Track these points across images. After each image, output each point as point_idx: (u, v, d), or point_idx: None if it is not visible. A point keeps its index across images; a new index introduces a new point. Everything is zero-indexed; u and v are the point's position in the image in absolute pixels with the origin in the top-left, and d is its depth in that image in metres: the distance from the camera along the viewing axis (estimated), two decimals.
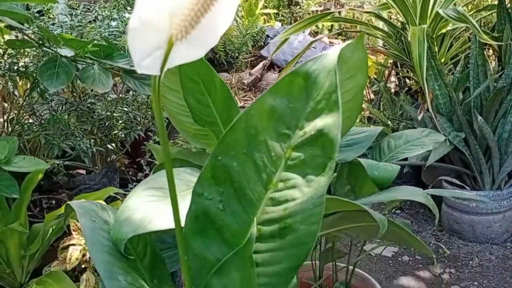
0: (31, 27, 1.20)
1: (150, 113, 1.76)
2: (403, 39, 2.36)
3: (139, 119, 1.74)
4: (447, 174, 2.09)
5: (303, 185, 0.56)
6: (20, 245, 1.30)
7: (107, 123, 1.70)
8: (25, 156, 1.16)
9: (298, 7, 5.27)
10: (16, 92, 1.60)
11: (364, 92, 2.80)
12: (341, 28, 3.76)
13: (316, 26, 4.82)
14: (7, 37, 1.40)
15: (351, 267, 1.34)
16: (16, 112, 1.55)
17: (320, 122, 0.54)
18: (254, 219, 0.58)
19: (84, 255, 1.14)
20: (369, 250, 1.68)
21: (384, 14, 2.60)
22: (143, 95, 1.70)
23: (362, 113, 2.73)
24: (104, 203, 0.86)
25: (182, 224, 0.62)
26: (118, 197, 1.36)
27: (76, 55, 1.23)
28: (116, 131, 1.71)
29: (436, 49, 2.28)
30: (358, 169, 1.07)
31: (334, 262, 1.33)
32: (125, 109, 1.68)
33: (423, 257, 2.00)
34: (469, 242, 2.08)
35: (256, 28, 4.56)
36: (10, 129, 1.52)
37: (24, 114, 1.57)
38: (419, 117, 2.10)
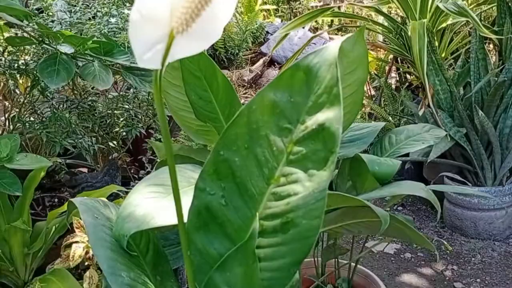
0: (31, 24, 1.20)
1: (151, 110, 1.76)
2: (403, 34, 2.35)
3: (140, 117, 1.73)
4: (449, 170, 2.09)
5: (305, 179, 0.56)
6: (23, 243, 1.30)
7: (108, 121, 1.70)
8: (27, 153, 1.16)
9: (297, 2, 5.26)
10: (17, 90, 1.60)
11: (365, 88, 2.80)
12: (341, 23, 3.75)
13: (316, 22, 4.82)
14: (6, 35, 1.40)
15: (353, 264, 1.34)
16: (17, 110, 1.55)
17: (322, 116, 0.54)
18: (256, 214, 0.58)
19: (87, 252, 1.14)
20: (371, 246, 1.68)
21: (384, 9, 2.59)
22: (144, 92, 1.70)
23: (363, 109, 2.72)
24: (106, 200, 0.86)
25: (185, 220, 0.62)
26: (121, 194, 1.36)
27: (76, 52, 1.22)
28: (117, 129, 1.71)
29: (437, 44, 2.27)
30: (359, 165, 1.06)
31: (336, 259, 1.33)
32: (126, 106, 1.68)
33: (426, 254, 2.00)
34: (471, 238, 2.08)
35: (256, 24, 4.56)
36: (11, 127, 1.52)
37: (25, 112, 1.57)
38: (420, 113, 2.10)
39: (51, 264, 1.22)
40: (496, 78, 1.99)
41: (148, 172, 1.89)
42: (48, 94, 1.54)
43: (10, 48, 1.41)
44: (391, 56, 2.79)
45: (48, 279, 1.19)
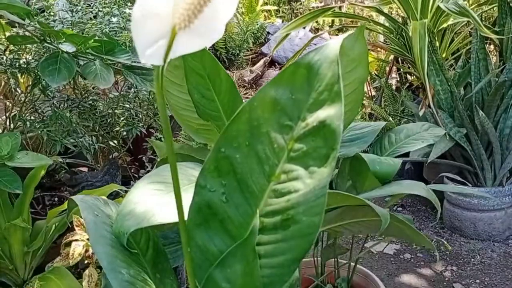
0: (32, 23, 1.20)
1: (152, 110, 1.76)
2: (404, 34, 2.36)
3: (140, 116, 1.73)
4: (449, 171, 2.09)
5: (305, 176, 0.56)
6: (23, 242, 1.30)
7: (109, 120, 1.70)
8: (27, 151, 1.16)
9: (298, 3, 5.26)
10: (18, 89, 1.60)
11: (365, 89, 2.80)
12: (341, 24, 3.76)
13: (316, 22, 4.82)
14: (8, 34, 1.40)
15: (352, 264, 1.34)
16: (18, 109, 1.55)
17: (323, 113, 0.54)
18: (257, 211, 0.58)
19: (87, 250, 1.15)
20: (370, 246, 1.68)
21: (385, 9, 2.59)
22: (145, 92, 1.70)
23: (364, 109, 2.73)
24: (106, 198, 0.87)
25: (185, 217, 0.62)
26: (121, 192, 1.36)
27: (77, 50, 1.23)
28: (118, 128, 1.71)
29: (437, 44, 2.27)
30: (359, 164, 1.07)
31: (336, 259, 1.33)
32: (127, 105, 1.68)
33: (425, 255, 2.00)
34: (471, 239, 2.08)
35: (257, 25, 4.56)
36: (12, 126, 1.52)
37: (26, 111, 1.57)
38: (421, 113, 2.10)
39: (51, 263, 1.22)
40: (497, 79, 1.99)
41: (149, 172, 1.88)
42: (49, 93, 1.54)
43: (11, 47, 1.41)
44: (391, 56, 2.80)
45: (47, 278, 1.19)
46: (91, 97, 1.65)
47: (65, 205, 1.26)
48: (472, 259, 1.96)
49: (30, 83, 1.50)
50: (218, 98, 0.94)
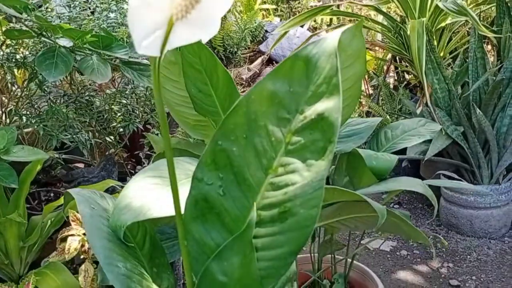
0: (29, 16, 1.19)
1: (149, 106, 1.76)
2: (402, 33, 2.36)
3: (137, 112, 1.73)
4: (446, 169, 2.09)
5: (303, 169, 0.56)
6: (19, 236, 1.30)
7: (105, 116, 1.69)
8: (23, 146, 1.15)
9: (296, 2, 5.26)
10: (14, 84, 1.59)
11: (363, 87, 2.81)
12: (340, 22, 3.75)
13: (315, 21, 4.82)
14: (5, 28, 1.39)
15: (349, 260, 1.34)
16: (14, 104, 1.54)
17: (321, 106, 0.54)
18: (254, 204, 0.58)
19: (83, 245, 1.14)
20: (367, 242, 1.69)
21: (384, 8, 2.59)
22: (142, 88, 1.70)
23: (361, 108, 2.73)
24: (103, 192, 0.86)
25: (182, 211, 0.62)
26: (117, 187, 1.36)
27: (74, 45, 1.22)
28: (114, 124, 1.71)
29: (435, 43, 2.28)
30: (356, 160, 1.07)
31: (332, 255, 1.33)
32: (124, 101, 1.68)
33: (421, 252, 2.00)
34: (467, 236, 2.09)
35: (255, 23, 4.56)
36: (8, 120, 1.51)
37: (22, 106, 1.57)
38: (418, 111, 2.10)
39: (47, 258, 1.22)
40: (494, 77, 1.99)
41: None
42: (46, 89, 1.54)
43: (8, 41, 1.41)
44: (389, 55, 2.80)
45: (43, 273, 1.18)
46: (87, 93, 1.65)
47: (61, 200, 1.26)
48: (468, 256, 1.96)
49: (27, 77, 1.50)
50: (215, 93, 0.94)
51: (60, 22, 1.48)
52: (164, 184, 0.75)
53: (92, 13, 1.66)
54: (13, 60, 1.37)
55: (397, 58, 2.77)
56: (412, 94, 2.67)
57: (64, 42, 1.21)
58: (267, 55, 4.38)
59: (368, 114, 2.68)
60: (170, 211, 0.65)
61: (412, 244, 2.06)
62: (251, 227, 0.57)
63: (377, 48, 3.14)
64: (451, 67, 2.35)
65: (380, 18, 2.79)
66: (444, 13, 2.19)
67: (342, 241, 1.38)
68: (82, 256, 1.16)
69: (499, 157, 2.04)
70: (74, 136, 1.52)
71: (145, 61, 1.33)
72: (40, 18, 1.15)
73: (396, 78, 2.97)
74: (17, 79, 1.55)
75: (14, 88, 1.59)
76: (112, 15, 1.58)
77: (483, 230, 2.07)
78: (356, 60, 0.93)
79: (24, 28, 1.23)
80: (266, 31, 4.75)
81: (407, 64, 2.64)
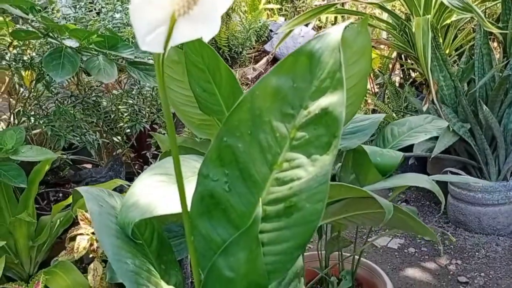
0: (36, 17, 1.20)
1: (155, 106, 1.77)
2: (407, 30, 2.35)
3: (144, 112, 1.74)
4: (453, 166, 2.09)
5: (308, 164, 0.56)
6: (28, 236, 1.31)
7: (112, 116, 1.70)
8: (32, 146, 1.16)
9: (301, 1, 5.25)
10: (22, 85, 1.61)
11: (369, 85, 2.80)
12: (344, 21, 3.74)
13: (319, 20, 4.82)
14: (11, 30, 1.40)
15: (356, 257, 1.34)
16: (22, 105, 1.56)
17: (325, 101, 0.54)
18: (259, 199, 0.59)
19: (91, 244, 1.15)
20: (374, 238, 1.68)
21: (388, 6, 2.59)
22: (148, 88, 1.71)
23: (367, 106, 2.72)
24: (111, 190, 0.87)
25: (189, 208, 0.62)
26: (125, 185, 1.37)
27: (81, 46, 1.23)
28: (121, 124, 1.72)
29: (441, 40, 2.27)
30: (362, 157, 1.07)
31: (340, 252, 1.33)
32: (130, 101, 1.69)
33: (429, 249, 2.00)
34: (475, 233, 2.08)
35: (260, 23, 4.56)
36: (16, 121, 1.53)
37: (30, 107, 1.58)
38: (424, 109, 2.10)
39: (56, 257, 1.23)
40: (501, 74, 1.98)
41: None
42: (53, 90, 1.55)
43: (15, 43, 1.42)
44: (394, 53, 2.79)
45: (53, 272, 1.19)
46: (94, 94, 1.66)
47: (69, 200, 1.27)
48: (477, 253, 1.96)
49: (34, 78, 1.51)
50: (219, 92, 0.95)
51: (66, 23, 1.49)
52: (171, 182, 0.76)
53: (98, 14, 1.67)
54: (21, 61, 1.38)
55: (403, 56, 2.76)
56: (418, 91, 2.66)
57: (71, 42, 1.22)
58: (272, 55, 4.38)
59: (374, 112, 2.68)
60: (177, 208, 0.66)
61: (419, 242, 2.05)
62: (257, 223, 0.57)
63: (382, 46, 3.13)
64: (457, 64, 2.34)
65: (385, 16, 2.78)
66: (449, 10, 2.18)
67: (349, 238, 1.39)
68: (91, 255, 1.17)
69: (507, 154, 2.03)
70: (81, 136, 1.53)
71: (150, 61, 1.34)
72: (46, 18, 1.16)
73: (401, 76, 2.96)
74: (25, 80, 1.57)
75: (21, 90, 1.61)
76: (117, 15, 1.59)
77: (492, 227, 2.06)
78: (361, 57, 0.93)
79: (30, 29, 1.25)
80: (271, 30, 4.75)
81: (413, 62, 2.63)
